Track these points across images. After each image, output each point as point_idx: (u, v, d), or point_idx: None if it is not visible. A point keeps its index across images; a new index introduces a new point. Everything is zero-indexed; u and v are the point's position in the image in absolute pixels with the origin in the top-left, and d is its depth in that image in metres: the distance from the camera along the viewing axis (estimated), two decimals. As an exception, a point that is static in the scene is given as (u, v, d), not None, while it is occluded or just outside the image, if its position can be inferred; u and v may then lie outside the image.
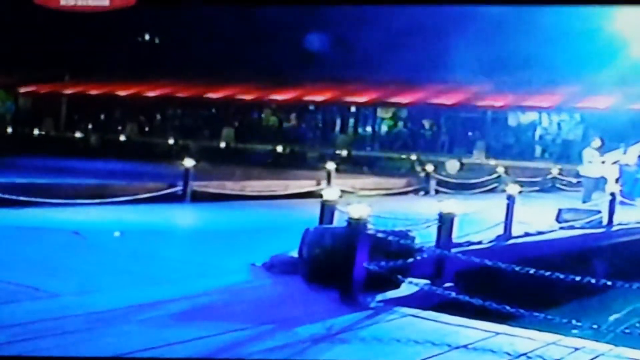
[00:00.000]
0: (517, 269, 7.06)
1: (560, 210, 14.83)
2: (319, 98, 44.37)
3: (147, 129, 51.41)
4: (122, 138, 45.59)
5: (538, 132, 40.49)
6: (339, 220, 8.67)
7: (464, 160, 35.57)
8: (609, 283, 6.53)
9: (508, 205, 12.03)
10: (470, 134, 41.02)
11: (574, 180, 24.89)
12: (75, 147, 40.56)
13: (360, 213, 6.82)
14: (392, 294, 7.14)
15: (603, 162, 19.64)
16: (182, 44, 48.32)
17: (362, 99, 43.28)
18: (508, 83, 38.23)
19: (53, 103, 52.96)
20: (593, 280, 6.57)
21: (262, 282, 7.72)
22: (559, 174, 26.28)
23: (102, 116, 53.49)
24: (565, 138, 39.03)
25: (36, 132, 48.79)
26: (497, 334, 6.11)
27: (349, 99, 43.78)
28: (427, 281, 7.96)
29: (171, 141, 43.01)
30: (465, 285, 8.21)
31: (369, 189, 19.93)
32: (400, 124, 44.52)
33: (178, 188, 15.37)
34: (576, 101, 36.86)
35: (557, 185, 26.02)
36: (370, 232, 6.95)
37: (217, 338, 5.45)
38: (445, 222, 8.07)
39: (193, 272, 8.00)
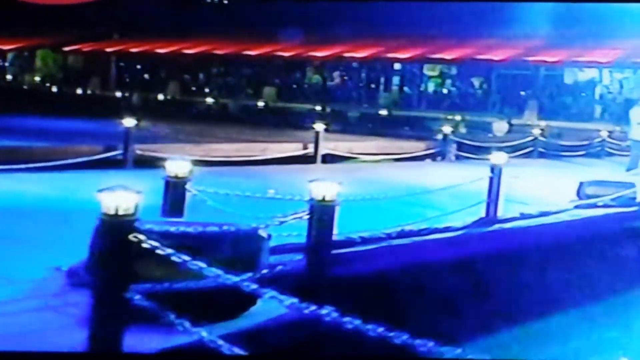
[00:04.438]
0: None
1: (581, 184, 11.80)
2: (362, 54, 41.48)
3: (193, 88, 49.36)
4: (164, 97, 43.68)
5: (598, 90, 36.79)
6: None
7: (514, 121, 32.34)
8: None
9: (491, 179, 9.09)
10: (522, 92, 37.54)
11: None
12: (115, 108, 38.95)
13: (119, 204, 4.03)
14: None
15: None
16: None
17: (407, 55, 40.19)
18: (564, 36, 34.60)
19: (100, 62, 51.52)
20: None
21: (27, 303, 5.02)
22: (609, 136, 22.92)
23: (147, 75, 51.91)
24: (627, 97, 35.19)
25: (79, 91, 47.32)
26: None
27: (393, 55, 40.75)
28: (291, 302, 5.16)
29: (211, 100, 41.18)
30: (355, 304, 5.36)
31: (370, 153, 17.05)
32: (448, 82, 41.30)
33: (117, 152, 12.84)
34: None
35: (607, 149, 22.72)
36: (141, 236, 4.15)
37: None
38: (318, 213, 5.20)
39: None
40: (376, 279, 6.27)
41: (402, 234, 7.90)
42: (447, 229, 8.50)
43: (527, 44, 36.19)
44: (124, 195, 4.05)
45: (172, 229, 4.48)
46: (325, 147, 15.82)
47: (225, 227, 4.83)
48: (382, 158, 17.26)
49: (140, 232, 4.12)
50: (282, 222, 5.25)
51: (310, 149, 15.62)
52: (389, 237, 7.75)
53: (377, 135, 23.13)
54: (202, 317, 4.30)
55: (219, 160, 13.80)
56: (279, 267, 5.01)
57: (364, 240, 7.30)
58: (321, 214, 5.17)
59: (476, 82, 39.93)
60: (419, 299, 6.97)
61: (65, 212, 8.16)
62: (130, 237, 4.04)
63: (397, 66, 42.44)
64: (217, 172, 12.11)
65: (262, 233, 5.02)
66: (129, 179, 10.48)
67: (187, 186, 6.06)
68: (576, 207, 10.92)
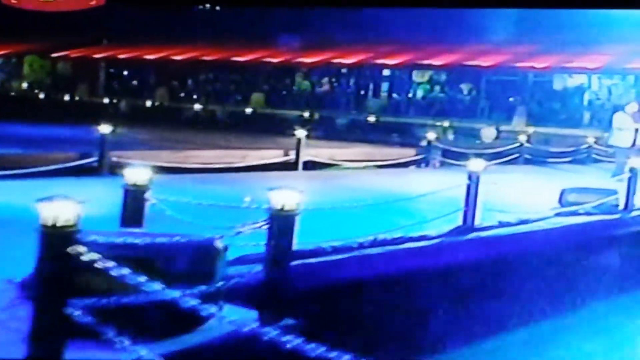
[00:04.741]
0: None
1: (563, 191, 11.64)
2: (351, 61, 41.35)
3: (181, 94, 49.08)
4: (152, 104, 43.51)
5: (586, 96, 36.66)
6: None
7: (502, 128, 32.22)
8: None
9: (469, 186, 8.90)
10: (511, 99, 37.38)
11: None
12: (103, 114, 38.76)
13: (59, 214, 3.84)
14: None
15: (637, 130, 16.44)
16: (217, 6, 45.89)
17: (396, 61, 40.06)
18: (553, 42, 34.50)
19: (88, 68, 51.24)
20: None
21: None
22: (596, 142, 22.83)
23: (135, 82, 51.65)
24: (616, 103, 35.06)
25: (67, 98, 47.07)
26: None
27: (382, 61, 40.64)
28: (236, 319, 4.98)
29: (198, 107, 41.06)
30: (317, 319, 5.18)
31: (353, 160, 16.86)
32: (437, 88, 41.12)
33: (92, 159, 12.62)
34: (628, 61, 32.90)
35: (594, 155, 22.63)
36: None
37: None
38: (277, 223, 5.01)
39: None
40: (343, 290, 6.07)
41: (375, 243, 7.70)
42: (422, 238, 8.30)
43: (516, 50, 36.08)
44: (63, 205, 3.85)
45: (120, 240, 4.27)
46: (307, 154, 15.63)
47: (178, 238, 4.63)
48: (365, 165, 17.08)
49: (82, 244, 3.92)
50: (239, 233, 5.06)
51: (292, 156, 15.43)
52: (361, 246, 7.55)
53: (365, 141, 23.00)
54: (149, 333, 4.10)
55: (197, 168, 13.62)
56: (236, 279, 4.81)
57: (335, 250, 7.10)
58: (280, 224, 4.97)
59: (465, 88, 39.73)
60: (389, 310, 6.79)
61: (27, 222, 7.93)
62: (70, 249, 3.84)
63: (386, 72, 42.24)
64: (192, 180, 11.93)
65: (218, 244, 4.82)
66: (98, 186, 10.34)
67: (147, 195, 5.86)
68: (557, 214, 10.75)
